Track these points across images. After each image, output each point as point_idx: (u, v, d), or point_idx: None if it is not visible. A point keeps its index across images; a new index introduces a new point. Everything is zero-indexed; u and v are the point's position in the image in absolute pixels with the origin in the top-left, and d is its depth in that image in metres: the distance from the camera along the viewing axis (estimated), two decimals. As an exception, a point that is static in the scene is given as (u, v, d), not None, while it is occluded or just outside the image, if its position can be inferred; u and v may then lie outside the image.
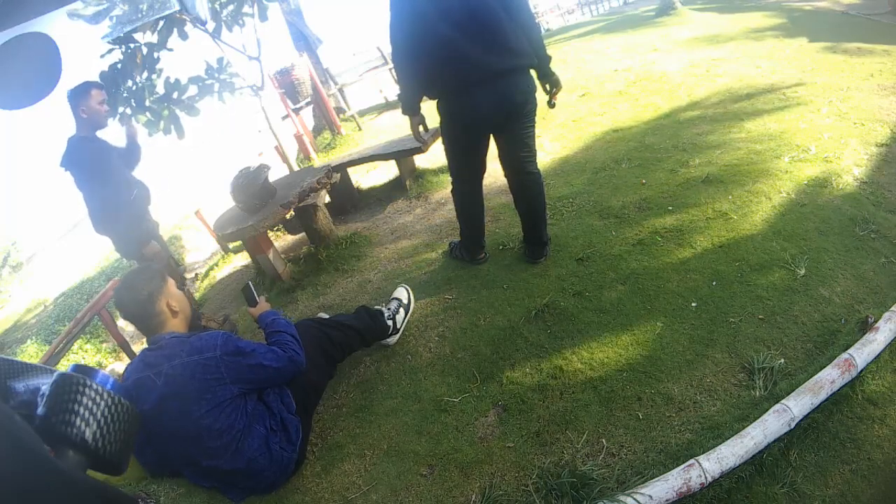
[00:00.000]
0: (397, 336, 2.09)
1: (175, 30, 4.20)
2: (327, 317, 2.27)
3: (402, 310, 2.13)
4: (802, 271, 1.92)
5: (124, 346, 3.35)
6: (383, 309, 2.06)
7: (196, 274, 5.29)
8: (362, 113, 7.71)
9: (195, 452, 1.43)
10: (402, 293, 2.24)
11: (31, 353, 5.72)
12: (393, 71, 6.60)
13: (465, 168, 2.18)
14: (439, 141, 2.30)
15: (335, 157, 4.57)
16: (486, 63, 1.81)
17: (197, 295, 3.92)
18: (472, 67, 1.82)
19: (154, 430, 1.40)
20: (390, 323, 2.03)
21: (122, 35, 3.93)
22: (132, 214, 2.50)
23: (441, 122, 2.06)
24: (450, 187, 2.31)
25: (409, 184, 3.74)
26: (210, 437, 1.40)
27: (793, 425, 1.36)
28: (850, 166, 2.59)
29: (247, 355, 1.44)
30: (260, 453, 1.47)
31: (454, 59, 1.81)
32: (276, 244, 3.29)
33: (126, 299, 1.45)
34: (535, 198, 2.20)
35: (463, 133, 2.04)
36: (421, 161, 3.99)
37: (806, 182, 2.49)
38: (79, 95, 2.38)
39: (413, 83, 1.98)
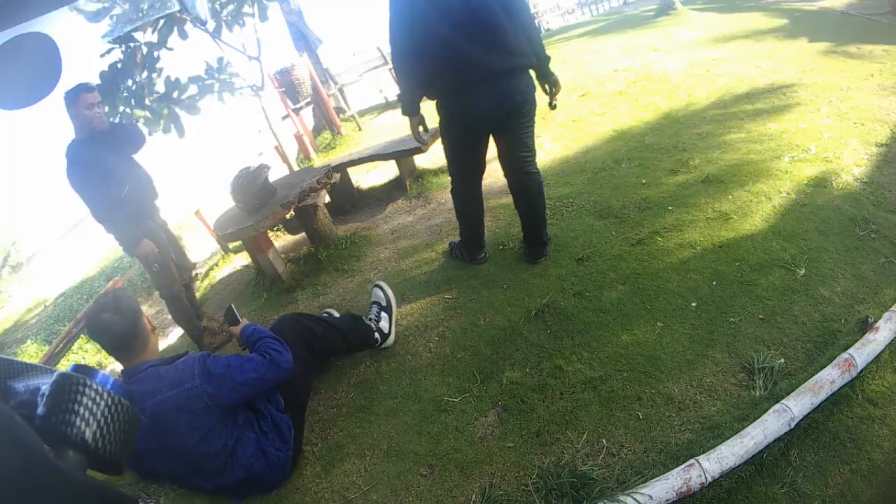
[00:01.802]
0: (392, 337, 2.08)
1: (175, 29, 4.20)
2: (337, 315, 2.27)
3: (383, 313, 2.07)
4: (802, 271, 1.92)
5: (124, 346, 3.35)
6: (364, 319, 2.02)
7: (196, 274, 5.29)
8: (362, 113, 7.72)
9: (198, 479, 1.44)
10: (377, 294, 2.16)
11: (31, 353, 5.72)
12: (393, 71, 6.59)
13: (465, 168, 2.18)
14: (439, 141, 2.30)
15: (335, 157, 4.57)
16: (486, 63, 1.81)
17: (197, 295, 3.91)
18: (472, 67, 1.82)
19: (148, 465, 1.38)
20: (377, 336, 1.99)
21: (122, 34, 3.93)
22: (126, 213, 2.50)
23: (441, 122, 2.05)
24: (450, 187, 2.31)
25: (409, 184, 3.74)
26: (209, 461, 1.40)
27: (793, 425, 1.37)
28: (850, 166, 2.60)
29: (224, 378, 1.40)
30: (255, 459, 1.47)
31: (454, 60, 1.81)
32: (276, 244, 3.30)
33: (110, 321, 1.36)
34: (534, 198, 2.20)
35: (463, 133, 2.04)
36: (421, 161, 3.99)
37: (806, 182, 2.49)
38: (68, 100, 2.37)
39: (413, 83, 1.98)
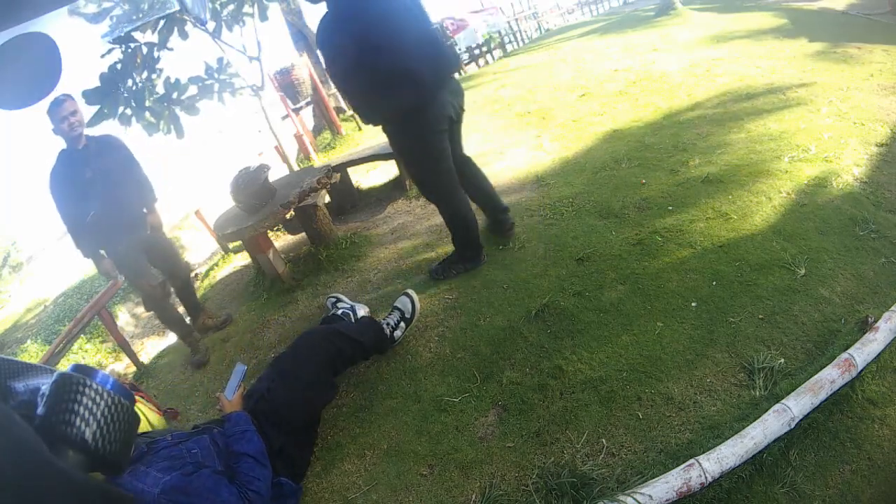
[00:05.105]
0: (394, 344, 2.07)
1: (175, 29, 4.20)
2: (346, 301, 2.24)
3: (402, 323, 2.03)
4: (802, 271, 1.92)
5: (124, 346, 3.35)
6: (384, 325, 1.97)
7: (196, 274, 5.29)
8: (362, 113, 7.69)
9: None
10: (405, 304, 2.07)
11: (31, 353, 5.72)
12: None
13: (450, 171, 2.15)
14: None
15: (335, 157, 4.57)
16: (451, 59, 2.02)
17: (197, 295, 3.91)
18: (446, 62, 1.99)
19: None
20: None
21: (122, 35, 3.93)
22: (89, 235, 2.53)
23: (418, 135, 2.00)
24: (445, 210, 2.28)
25: (409, 184, 3.74)
26: None
27: (793, 425, 1.37)
28: (850, 166, 2.59)
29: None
30: None
31: (435, 54, 1.92)
32: (276, 244, 3.30)
33: None
34: (479, 173, 2.38)
35: (445, 133, 2.05)
36: (421, 161, 3.99)
37: (806, 182, 2.49)
38: (49, 115, 2.37)
39: (396, 90, 1.91)
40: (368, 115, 2.07)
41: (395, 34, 1.83)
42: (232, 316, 2.99)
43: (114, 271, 2.65)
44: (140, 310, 6.17)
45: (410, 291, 2.12)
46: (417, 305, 2.09)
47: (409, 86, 1.88)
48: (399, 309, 2.07)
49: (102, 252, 2.61)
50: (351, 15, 1.81)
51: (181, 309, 3.11)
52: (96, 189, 2.46)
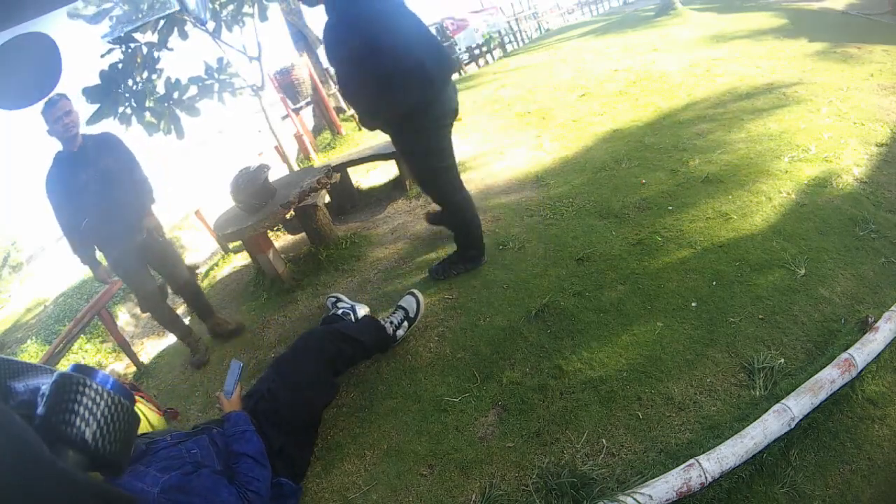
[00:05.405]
0: (396, 343, 2.07)
1: (175, 29, 4.20)
2: (347, 301, 2.24)
3: (405, 322, 2.03)
4: (802, 271, 1.92)
5: (124, 346, 3.35)
6: (386, 324, 1.97)
7: (196, 274, 5.29)
8: (362, 113, 7.68)
9: None
10: (410, 303, 2.07)
11: (31, 353, 5.71)
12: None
13: (453, 169, 2.15)
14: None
15: (335, 157, 4.57)
16: (453, 58, 1.98)
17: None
18: (448, 59, 2.02)
19: None
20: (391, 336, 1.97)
21: (122, 35, 3.93)
22: (84, 241, 2.49)
23: (423, 133, 2.01)
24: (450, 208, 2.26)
25: (409, 184, 3.74)
26: None
27: (793, 425, 1.37)
28: (850, 166, 2.59)
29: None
30: None
31: (437, 51, 1.94)
32: (276, 244, 3.30)
33: None
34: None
35: (450, 123, 2.06)
36: (421, 161, 3.98)
37: (806, 182, 2.49)
38: (43, 117, 2.30)
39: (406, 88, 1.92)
40: (374, 117, 2.05)
41: (398, 34, 1.84)
42: (244, 326, 2.83)
43: (109, 278, 2.66)
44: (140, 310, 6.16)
45: (416, 291, 2.12)
46: (422, 306, 2.10)
47: (418, 82, 1.89)
48: (403, 308, 2.07)
49: (100, 258, 2.58)
50: (352, 19, 1.81)
51: (180, 310, 3.09)
52: (93, 192, 2.39)
